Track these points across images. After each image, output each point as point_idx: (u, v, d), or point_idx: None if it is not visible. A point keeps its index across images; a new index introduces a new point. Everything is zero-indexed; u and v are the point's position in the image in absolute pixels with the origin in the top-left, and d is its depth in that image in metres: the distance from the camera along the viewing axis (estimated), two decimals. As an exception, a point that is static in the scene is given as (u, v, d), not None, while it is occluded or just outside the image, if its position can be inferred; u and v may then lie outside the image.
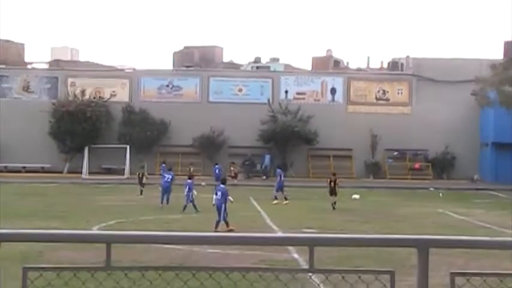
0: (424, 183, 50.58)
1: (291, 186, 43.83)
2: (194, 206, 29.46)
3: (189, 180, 30.32)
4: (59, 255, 15.63)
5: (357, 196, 38.55)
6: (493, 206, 35.91)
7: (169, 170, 35.72)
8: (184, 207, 29.55)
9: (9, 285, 5.10)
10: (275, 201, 34.25)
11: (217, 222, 23.26)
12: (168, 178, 32.29)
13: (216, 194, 24.28)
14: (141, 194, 37.50)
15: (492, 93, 48.54)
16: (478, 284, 4.72)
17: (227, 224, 23.28)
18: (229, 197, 24.46)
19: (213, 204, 24.22)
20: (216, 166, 47.02)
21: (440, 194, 42.14)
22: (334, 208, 31.81)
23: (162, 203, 31.35)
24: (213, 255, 16.77)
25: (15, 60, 68.88)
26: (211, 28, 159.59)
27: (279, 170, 37.85)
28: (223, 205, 23.61)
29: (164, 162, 44.59)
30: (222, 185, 24.79)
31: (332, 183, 32.62)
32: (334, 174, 34.32)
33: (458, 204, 36.28)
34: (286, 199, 34.62)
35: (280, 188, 35.55)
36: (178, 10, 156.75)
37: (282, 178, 36.31)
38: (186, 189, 29.80)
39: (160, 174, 38.39)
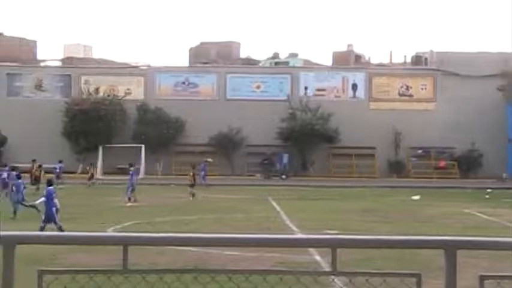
0: (450, 182, 49.11)
1: (311, 186, 42.45)
2: None
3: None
4: (73, 258, 15.26)
5: (416, 197, 37.39)
6: (521, 205, 35.34)
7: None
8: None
9: (22, 288, 4.92)
10: (128, 204, 31.98)
11: (41, 227, 20.92)
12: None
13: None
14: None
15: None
16: (508, 287, 4.46)
17: (60, 228, 21.04)
18: (56, 200, 22.13)
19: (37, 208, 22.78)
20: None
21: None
22: (193, 196, 34.13)
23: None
24: (230, 257, 16.18)
25: (27, 58, 68.32)
26: (228, 23, 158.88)
27: (131, 169, 35.74)
28: (53, 208, 21.58)
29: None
30: (49, 187, 22.56)
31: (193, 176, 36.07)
32: (193, 167, 38.42)
33: (485, 204, 35.30)
34: (130, 200, 32.52)
35: (130, 188, 33.43)
36: (194, 5, 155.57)
37: (134, 178, 34.43)
38: None
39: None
